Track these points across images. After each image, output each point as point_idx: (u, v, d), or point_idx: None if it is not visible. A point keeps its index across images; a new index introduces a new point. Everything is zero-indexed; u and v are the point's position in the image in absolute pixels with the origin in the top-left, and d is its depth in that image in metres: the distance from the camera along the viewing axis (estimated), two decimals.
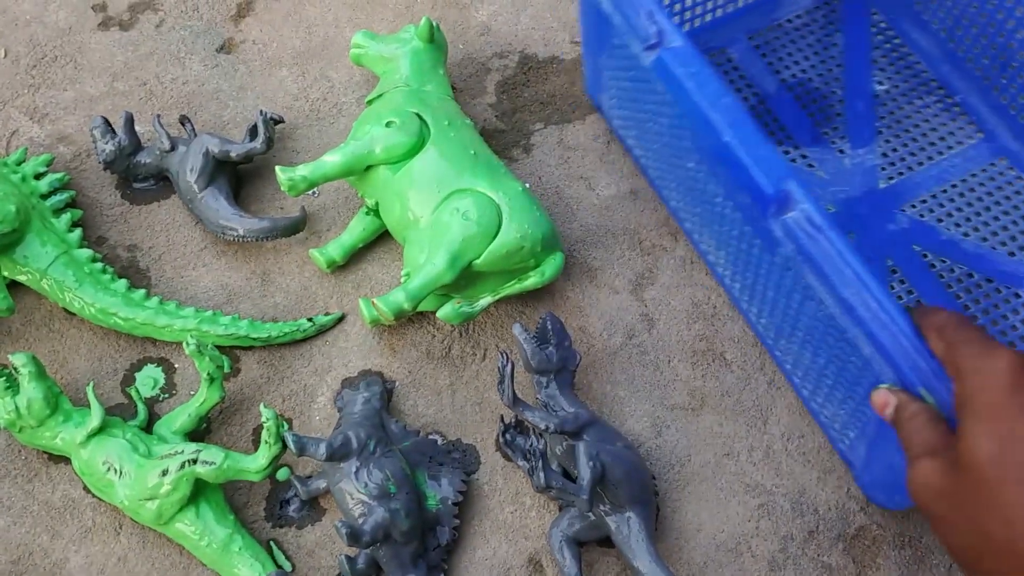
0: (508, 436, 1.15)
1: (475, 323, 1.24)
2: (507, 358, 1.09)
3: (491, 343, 1.24)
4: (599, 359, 1.22)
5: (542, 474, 1.05)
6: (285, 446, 1.05)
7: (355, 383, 1.20)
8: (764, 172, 0.91)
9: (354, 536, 1.01)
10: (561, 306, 1.25)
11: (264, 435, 1.04)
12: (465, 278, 1.14)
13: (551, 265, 1.17)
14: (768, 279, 1.05)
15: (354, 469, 1.05)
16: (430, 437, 1.16)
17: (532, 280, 1.17)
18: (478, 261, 1.13)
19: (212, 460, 1.04)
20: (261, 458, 1.05)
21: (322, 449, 1.05)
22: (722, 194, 1.05)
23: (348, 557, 1.05)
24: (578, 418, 1.08)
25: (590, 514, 1.06)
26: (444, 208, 1.14)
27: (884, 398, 0.75)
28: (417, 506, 1.07)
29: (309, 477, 1.13)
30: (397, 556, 1.05)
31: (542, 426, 1.07)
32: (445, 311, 1.16)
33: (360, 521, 1.03)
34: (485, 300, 1.17)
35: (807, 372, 1.11)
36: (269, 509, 1.14)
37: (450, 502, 1.10)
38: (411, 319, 1.24)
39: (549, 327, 1.12)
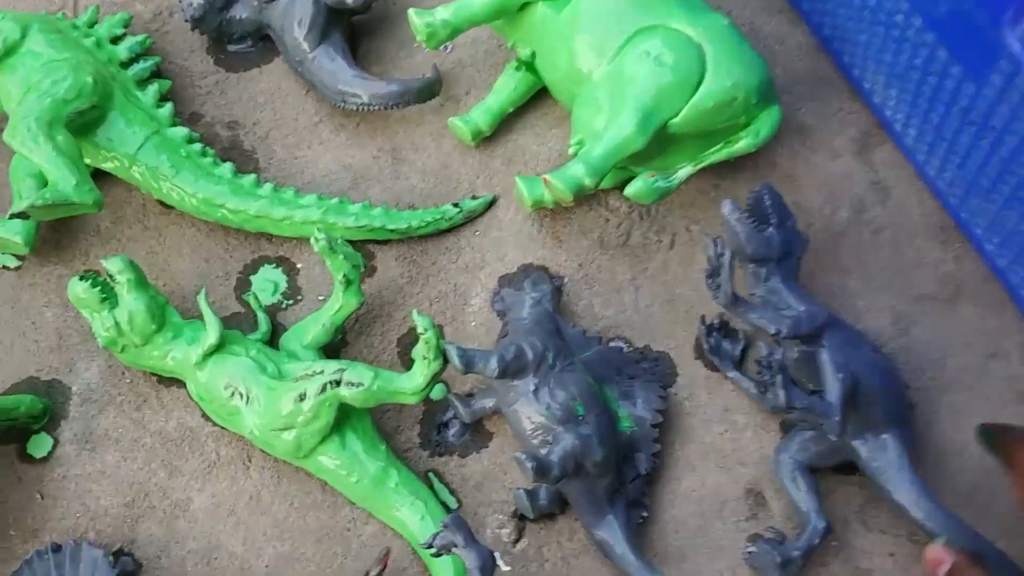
0: (713, 340, 0.95)
1: (658, 202, 1.01)
2: (718, 245, 0.87)
3: (680, 226, 1.02)
4: (821, 242, 0.99)
5: (782, 392, 0.84)
6: (445, 361, 0.85)
7: (516, 281, 0.99)
8: None
9: (542, 470, 0.82)
10: (768, 176, 1.02)
11: (421, 348, 0.84)
12: (657, 143, 0.91)
13: (766, 122, 0.93)
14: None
15: (532, 388, 0.86)
16: (613, 344, 0.95)
17: (744, 143, 0.94)
18: (676, 120, 0.90)
19: (360, 381, 0.85)
20: (419, 376, 0.85)
21: (493, 364, 0.85)
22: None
23: (527, 491, 0.87)
24: (814, 318, 0.86)
25: (835, 437, 0.85)
26: (628, 53, 0.91)
27: (939, 555, 0.71)
28: (611, 430, 0.87)
29: (470, 395, 0.93)
30: (590, 491, 0.86)
31: (772, 330, 0.86)
32: (635, 187, 0.93)
33: (545, 451, 0.84)
34: (684, 171, 0.94)
35: None
36: (424, 434, 0.96)
37: (648, 423, 0.90)
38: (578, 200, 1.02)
39: (767, 203, 0.89)
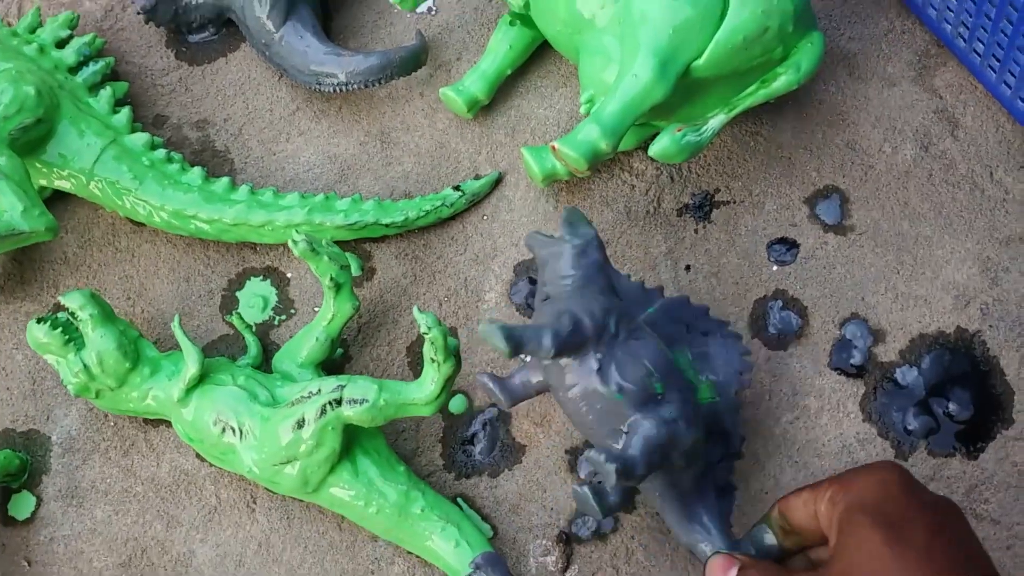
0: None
1: (690, 160, 0.90)
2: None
3: (719, 183, 0.91)
4: (885, 185, 0.88)
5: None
6: (458, 362, 0.75)
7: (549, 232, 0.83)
8: None
9: (626, 470, 0.67)
10: (814, 116, 0.90)
11: (427, 350, 0.74)
12: (681, 91, 0.80)
13: (807, 53, 0.82)
14: None
15: (595, 366, 0.71)
16: (677, 296, 0.82)
17: (783, 80, 0.82)
18: (700, 62, 0.79)
19: (363, 396, 0.76)
20: (429, 383, 0.76)
21: (548, 341, 0.69)
22: None
23: (592, 487, 0.71)
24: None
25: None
26: None
27: (722, 562, 0.67)
28: (696, 408, 0.74)
29: (506, 378, 0.77)
30: (675, 485, 0.73)
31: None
32: (661, 145, 0.82)
33: (619, 443, 0.71)
34: (717, 120, 0.83)
35: None
36: (448, 454, 0.86)
37: (732, 390, 0.77)
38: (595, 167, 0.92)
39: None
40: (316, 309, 0.93)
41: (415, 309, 0.75)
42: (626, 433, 0.70)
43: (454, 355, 0.76)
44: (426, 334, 0.74)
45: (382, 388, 0.77)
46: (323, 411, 0.78)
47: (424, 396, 0.77)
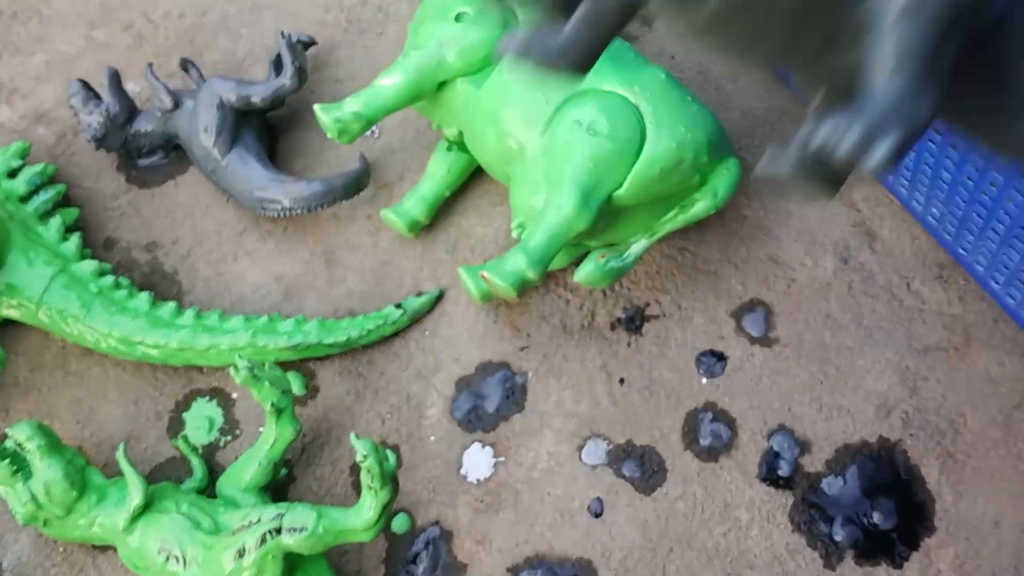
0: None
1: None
2: None
3: (648, 299, 0.94)
4: (807, 297, 0.91)
5: None
6: (395, 487, 0.78)
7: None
8: None
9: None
10: (738, 231, 0.94)
11: (364, 477, 0.77)
12: (606, 218, 0.84)
13: (724, 179, 0.86)
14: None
15: None
16: None
17: (701, 205, 0.86)
18: (621, 192, 0.83)
19: (301, 525, 0.78)
20: (367, 509, 0.78)
21: None
22: None
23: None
24: None
25: None
26: (559, 124, 0.84)
27: None
28: None
29: None
30: None
31: None
32: (586, 271, 0.86)
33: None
34: (639, 245, 0.87)
35: None
36: (391, 575, 0.88)
37: None
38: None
39: None
40: (261, 429, 0.94)
41: (352, 436, 0.78)
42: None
43: (392, 481, 0.79)
44: (362, 462, 0.77)
45: (321, 515, 0.80)
46: (263, 540, 0.80)
47: (363, 522, 0.79)
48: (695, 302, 0.94)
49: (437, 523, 0.89)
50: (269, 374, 0.86)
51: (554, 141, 0.84)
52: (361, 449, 0.77)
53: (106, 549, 0.92)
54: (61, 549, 0.93)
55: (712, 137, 0.84)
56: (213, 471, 0.93)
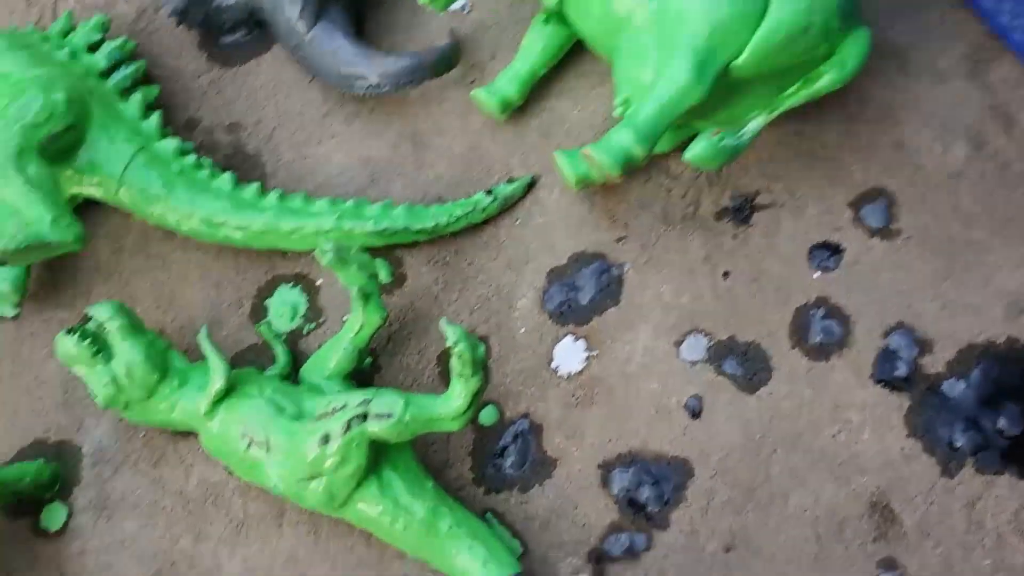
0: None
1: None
2: None
3: (759, 186, 0.88)
4: (935, 186, 0.85)
5: None
6: (486, 375, 0.75)
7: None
8: None
9: None
10: (860, 114, 0.88)
11: (455, 364, 0.73)
12: (720, 92, 0.78)
13: (852, 50, 0.79)
14: None
15: None
16: None
17: (827, 79, 0.80)
18: (740, 61, 0.77)
19: (388, 411, 0.75)
20: (456, 398, 0.75)
21: None
22: None
23: None
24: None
25: None
26: None
27: None
28: None
29: None
30: None
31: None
32: (697, 150, 0.80)
33: None
34: (756, 122, 0.81)
35: None
36: (478, 467, 0.85)
37: None
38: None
39: None
40: (345, 317, 0.92)
41: (443, 321, 0.74)
42: None
43: (482, 369, 0.75)
44: (453, 348, 0.73)
45: (408, 402, 0.77)
46: (348, 426, 0.77)
47: (451, 411, 0.76)
48: (810, 190, 0.88)
49: (526, 416, 0.86)
50: (356, 258, 0.83)
51: (667, 4, 0.78)
52: (452, 335, 0.73)
53: (187, 435, 0.90)
54: (141, 434, 0.92)
55: (841, 2, 0.77)
56: (296, 359, 0.91)
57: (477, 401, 0.76)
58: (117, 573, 0.87)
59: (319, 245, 0.82)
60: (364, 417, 0.77)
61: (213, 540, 0.87)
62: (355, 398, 0.78)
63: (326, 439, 0.78)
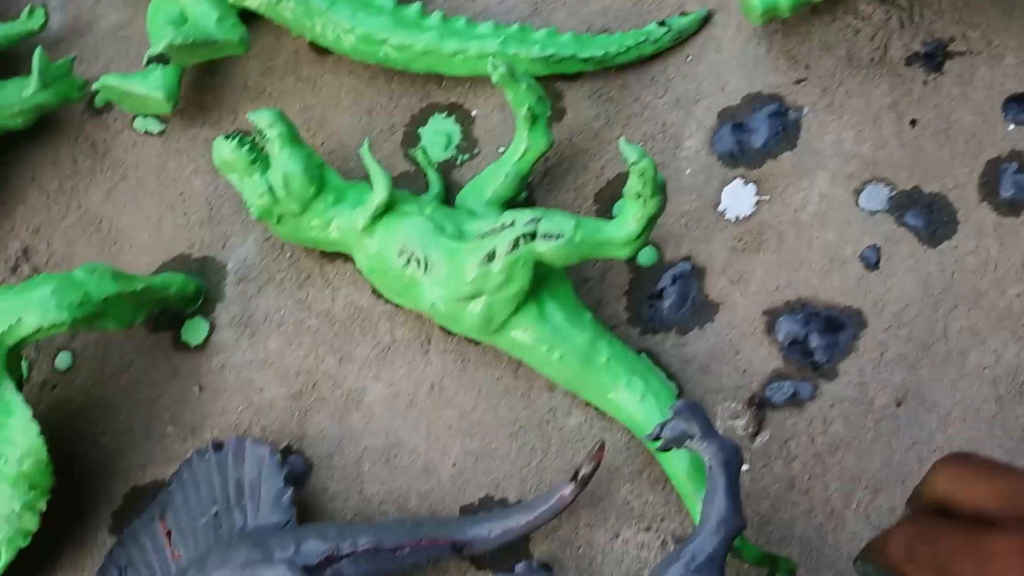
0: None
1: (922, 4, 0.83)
2: None
3: (954, 32, 0.83)
4: None
5: None
6: (664, 201, 0.71)
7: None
8: None
9: None
10: None
11: (635, 184, 0.70)
12: None
13: None
14: None
15: None
16: None
17: None
18: None
19: (558, 231, 0.73)
20: (631, 220, 0.72)
21: None
22: None
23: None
24: None
25: None
26: None
27: None
28: None
29: None
30: None
31: None
32: None
33: None
34: None
35: None
36: (634, 307, 0.82)
37: None
38: (815, 7, 0.85)
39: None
40: (501, 150, 0.89)
41: (621, 141, 0.70)
42: None
43: (662, 191, 0.72)
44: (634, 165, 0.70)
45: (579, 224, 0.74)
46: (516, 244, 0.74)
47: (624, 235, 0.73)
48: (1009, 39, 0.82)
49: (688, 259, 0.83)
50: (527, 77, 0.80)
51: None
52: (632, 154, 0.70)
53: (334, 258, 0.89)
54: (288, 254, 0.91)
55: None
56: (448, 190, 0.89)
57: (651, 227, 0.73)
58: (258, 388, 0.87)
59: (490, 62, 0.78)
60: (533, 236, 0.74)
61: (358, 363, 0.86)
62: (524, 216, 0.75)
63: (491, 256, 0.75)
